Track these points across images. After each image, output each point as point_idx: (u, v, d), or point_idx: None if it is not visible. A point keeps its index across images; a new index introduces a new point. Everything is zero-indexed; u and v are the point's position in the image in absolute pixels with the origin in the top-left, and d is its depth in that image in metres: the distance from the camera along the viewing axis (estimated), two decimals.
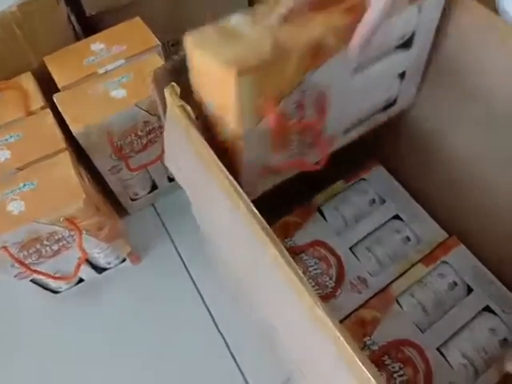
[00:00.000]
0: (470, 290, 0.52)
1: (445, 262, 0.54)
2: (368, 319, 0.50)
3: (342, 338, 0.26)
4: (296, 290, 0.29)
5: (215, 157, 0.33)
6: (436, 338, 0.49)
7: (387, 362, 0.48)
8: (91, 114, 0.53)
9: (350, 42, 0.33)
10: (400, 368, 0.48)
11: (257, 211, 0.31)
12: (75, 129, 0.52)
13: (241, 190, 0.32)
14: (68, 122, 0.53)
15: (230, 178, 0.32)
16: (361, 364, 0.25)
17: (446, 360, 0.48)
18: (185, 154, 0.37)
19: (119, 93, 0.56)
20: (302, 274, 0.28)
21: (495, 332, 0.49)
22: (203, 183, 0.36)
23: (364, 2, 0.32)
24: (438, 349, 0.48)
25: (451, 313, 0.50)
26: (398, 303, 0.51)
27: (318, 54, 0.34)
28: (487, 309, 0.50)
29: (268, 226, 0.30)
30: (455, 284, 0.52)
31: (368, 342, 0.49)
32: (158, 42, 0.61)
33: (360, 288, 0.52)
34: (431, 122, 0.51)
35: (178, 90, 0.36)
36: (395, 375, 0.47)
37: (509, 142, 0.43)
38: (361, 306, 0.51)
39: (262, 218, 0.31)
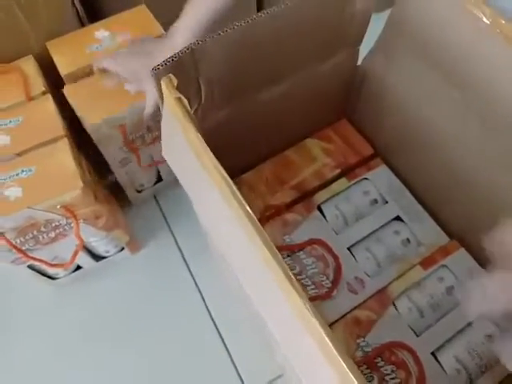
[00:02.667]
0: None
1: (444, 266, 0.53)
2: (363, 320, 0.50)
3: (328, 341, 0.26)
4: (284, 289, 0.28)
5: (210, 152, 0.32)
6: (431, 341, 0.48)
7: (380, 364, 0.47)
8: (105, 106, 0.53)
9: None
10: (392, 371, 0.47)
11: (248, 208, 0.31)
12: (91, 120, 0.52)
13: (233, 186, 0.32)
14: (81, 114, 0.53)
15: (222, 171, 0.32)
16: (346, 368, 0.25)
17: (440, 365, 0.47)
18: (180, 147, 0.37)
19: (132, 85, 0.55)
20: (290, 273, 0.28)
21: (491, 338, 0.48)
22: (197, 176, 0.35)
23: None
24: (432, 353, 0.48)
25: (448, 317, 0.50)
26: (395, 305, 0.50)
27: None
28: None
29: (259, 224, 0.30)
30: (453, 288, 0.51)
31: (362, 344, 0.48)
32: (163, 31, 0.60)
33: (357, 289, 0.51)
34: (403, 91, 0.52)
35: (175, 81, 0.36)
36: (387, 378, 0.47)
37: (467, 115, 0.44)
38: (356, 307, 0.51)
39: (253, 215, 0.30)
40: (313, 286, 0.52)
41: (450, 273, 0.52)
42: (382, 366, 0.47)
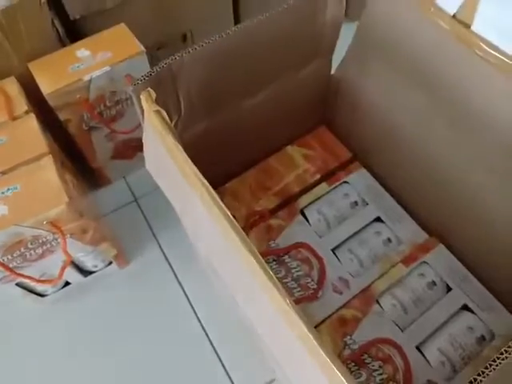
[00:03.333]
0: (449, 289, 0.53)
1: (425, 263, 0.54)
2: (349, 319, 0.51)
3: (314, 342, 0.27)
4: (268, 291, 0.29)
5: (190, 161, 0.34)
6: (415, 336, 0.50)
7: (367, 360, 0.49)
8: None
9: None
10: (380, 366, 0.48)
11: (230, 214, 0.32)
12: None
13: (215, 194, 0.33)
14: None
15: (202, 178, 0.33)
16: (334, 368, 0.26)
17: (425, 358, 0.49)
18: (161, 158, 0.38)
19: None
20: (273, 275, 0.29)
21: (473, 330, 0.49)
22: (179, 186, 0.36)
23: None
24: (417, 347, 0.49)
25: (430, 312, 0.51)
26: (379, 303, 0.52)
27: None
28: (465, 307, 0.51)
29: (240, 228, 0.31)
30: (434, 283, 0.53)
31: (349, 342, 0.49)
32: (143, 48, 0.62)
33: (341, 289, 0.53)
34: (375, 97, 0.55)
35: (154, 95, 0.37)
36: (375, 374, 0.48)
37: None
38: (342, 306, 0.52)
39: (235, 222, 0.31)
40: (299, 289, 0.53)
41: (430, 268, 0.54)
42: (369, 363, 0.48)
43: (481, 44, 0.40)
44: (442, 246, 0.55)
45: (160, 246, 0.71)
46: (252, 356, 0.60)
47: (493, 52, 0.39)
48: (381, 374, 0.48)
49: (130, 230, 0.73)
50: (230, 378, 0.61)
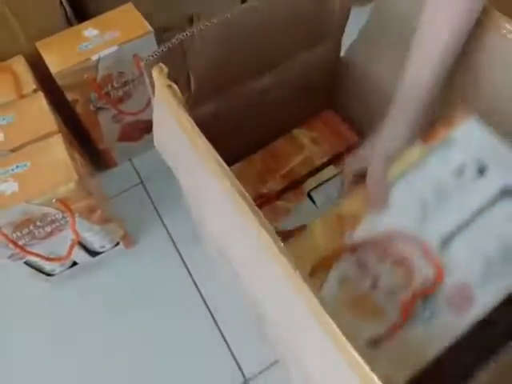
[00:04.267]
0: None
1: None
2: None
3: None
4: (276, 260, 0.30)
5: (203, 136, 0.34)
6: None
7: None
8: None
9: None
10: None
11: (242, 187, 0.32)
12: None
13: (227, 168, 0.33)
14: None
15: (217, 155, 0.33)
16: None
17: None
18: (172, 133, 0.38)
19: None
20: (281, 243, 0.29)
21: None
22: (190, 162, 0.37)
23: None
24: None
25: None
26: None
27: None
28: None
29: (250, 198, 0.31)
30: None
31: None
32: (151, 28, 0.62)
33: None
34: (384, 80, 0.53)
35: (166, 70, 0.37)
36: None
37: None
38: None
39: (246, 193, 0.32)
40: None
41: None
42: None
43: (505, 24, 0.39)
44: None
45: (166, 227, 0.72)
46: (256, 336, 0.61)
47: None
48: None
49: (136, 211, 0.73)
50: (234, 358, 0.61)
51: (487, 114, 0.42)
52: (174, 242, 0.70)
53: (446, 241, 0.39)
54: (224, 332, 0.63)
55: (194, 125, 0.34)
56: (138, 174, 0.78)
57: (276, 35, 0.48)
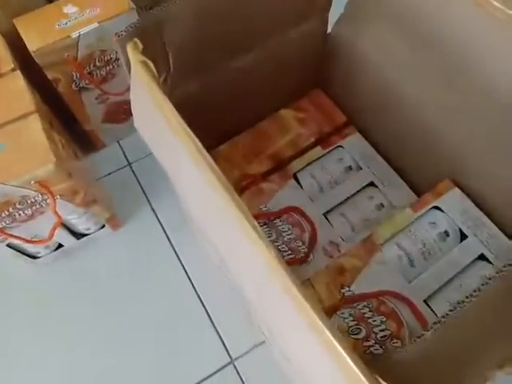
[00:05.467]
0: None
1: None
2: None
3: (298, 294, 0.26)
4: (258, 248, 0.29)
5: (177, 114, 0.33)
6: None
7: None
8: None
9: None
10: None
11: (218, 168, 0.31)
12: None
13: (202, 147, 0.32)
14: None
15: (191, 133, 0.32)
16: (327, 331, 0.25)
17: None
18: (149, 113, 0.37)
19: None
20: (259, 228, 0.29)
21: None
22: (167, 141, 0.36)
23: None
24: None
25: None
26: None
27: None
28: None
29: (228, 183, 0.30)
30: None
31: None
32: (133, 5, 0.60)
33: (332, 253, 0.53)
34: (372, 57, 0.52)
35: (141, 46, 0.36)
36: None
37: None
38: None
39: (223, 176, 0.31)
40: (289, 252, 0.53)
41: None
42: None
43: None
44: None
45: (153, 210, 0.71)
46: (242, 317, 0.61)
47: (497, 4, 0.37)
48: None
49: (124, 193, 0.72)
50: (221, 339, 0.62)
51: None
52: (161, 224, 0.70)
53: (429, 299, 0.47)
54: (210, 313, 0.63)
55: (169, 102, 0.33)
56: (125, 156, 0.77)
57: (260, 10, 0.47)
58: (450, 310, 0.27)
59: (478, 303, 0.28)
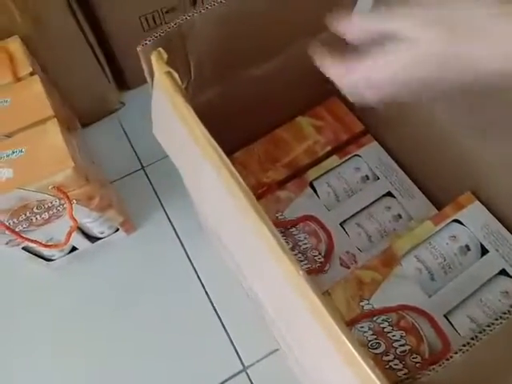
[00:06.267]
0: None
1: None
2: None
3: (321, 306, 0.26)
4: (276, 257, 0.29)
5: (201, 124, 0.33)
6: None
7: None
8: None
9: None
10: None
11: (239, 176, 0.31)
12: None
13: (225, 157, 0.32)
14: None
15: (214, 143, 0.32)
16: (345, 338, 0.25)
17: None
18: (171, 123, 0.37)
19: None
20: (282, 241, 0.28)
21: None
22: (188, 151, 0.35)
23: None
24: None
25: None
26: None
27: None
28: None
29: (249, 191, 0.30)
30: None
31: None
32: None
33: (349, 263, 0.52)
34: None
35: (165, 55, 0.35)
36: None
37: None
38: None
39: (245, 185, 0.31)
40: (305, 261, 0.52)
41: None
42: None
43: None
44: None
45: (166, 214, 0.71)
46: (256, 325, 0.60)
47: None
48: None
49: (137, 197, 0.72)
50: (233, 345, 0.61)
51: None
52: (174, 229, 0.70)
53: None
54: (223, 319, 0.63)
55: (193, 112, 0.33)
56: (139, 159, 0.77)
57: (282, 19, 0.46)
58: (480, 332, 0.27)
59: (508, 325, 0.27)
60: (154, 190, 0.74)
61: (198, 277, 0.66)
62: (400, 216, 0.56)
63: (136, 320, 0.63)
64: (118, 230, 0.66)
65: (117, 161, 0.76)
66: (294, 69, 0.54)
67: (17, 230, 0.52)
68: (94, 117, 0.78)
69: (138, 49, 0.36)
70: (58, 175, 0.47)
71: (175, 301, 0.64)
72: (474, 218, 0.50)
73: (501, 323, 0.27)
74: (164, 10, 0.70)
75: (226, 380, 0.60)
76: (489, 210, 0.51)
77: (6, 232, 0.50)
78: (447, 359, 0.26)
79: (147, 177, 0.75)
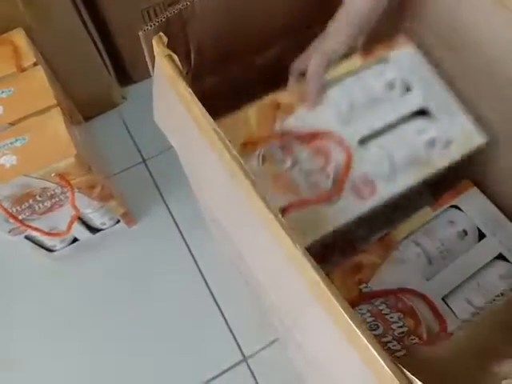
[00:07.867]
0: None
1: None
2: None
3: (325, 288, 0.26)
4: (276, 234, 0.29)
5: (202, 107, 0.33)
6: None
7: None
8: None
9: None
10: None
11: (242, 161, 0.32)
12: None
13: (228, 142, 0.32)
14: None
15: (217, 129, 0.32)
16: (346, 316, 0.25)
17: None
18: (172, 107, 0.37)
19: None
20: (282, 219, 0.29)
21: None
22: (188, 134, 0.36)
23: None
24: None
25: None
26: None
27: None
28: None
29: (253, 177, 0.30)
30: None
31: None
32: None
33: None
34: None
35: (166, 39, 0.36)
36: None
37: None
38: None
39: (247, 169, 0.31)
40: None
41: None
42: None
43: None
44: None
45: (167, 206, 0.72)
46: (256, 316, 0.61)
47: None
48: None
49: (138, 190, 0.73)
50: (234, 336, 0.62)
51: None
52: (175, 221, 0.70)
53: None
54: (224, 310, 0.63)
55: (193, 95, 0.33)
56: (140, 152, 0.78)
57: (282, 8, 0.47)
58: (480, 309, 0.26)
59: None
60: (154, 183, 0.74)
61: (199, 269, 0.66)
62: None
63: (135, 312, 0.64)
64: (118, 221, 0.67)
65: (118, 154, 0.77)
66: (295, 57, 0.54)
67: (20, 218, 0.52)
68: (95, 110, 0.78)
69: (140, 33, 0.36)
70: (60, 163, 0.48)
71: (175, 292, 0.65)
72: (472, 204, 0.50)
73: (501, 300, 0.27)
74: (166, 3, 0.70)
75: (227, 370, 0.60)
76: (487, 196, 0.51)
77: (10, 220, 0.51)
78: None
79: (148, 170, 0.76)
